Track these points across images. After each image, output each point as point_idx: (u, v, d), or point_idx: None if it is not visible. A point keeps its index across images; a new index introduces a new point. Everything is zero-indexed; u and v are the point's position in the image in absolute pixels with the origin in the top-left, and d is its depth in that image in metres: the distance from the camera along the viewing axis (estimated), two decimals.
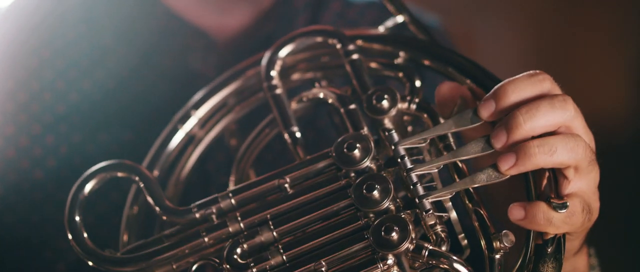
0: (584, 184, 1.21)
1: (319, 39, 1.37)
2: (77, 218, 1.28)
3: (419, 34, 1.39)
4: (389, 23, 1.41)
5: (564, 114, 1.19)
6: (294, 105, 1.36)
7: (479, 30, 3.46)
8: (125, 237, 1.35)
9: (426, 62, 1.35)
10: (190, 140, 1.42)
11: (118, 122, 1.63)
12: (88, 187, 1.29)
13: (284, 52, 1.36)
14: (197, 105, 1.41)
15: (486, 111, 1.21)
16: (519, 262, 1.22)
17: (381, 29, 1.41)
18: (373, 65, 1.38)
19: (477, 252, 1.25)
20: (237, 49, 1.70)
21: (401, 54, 1.37)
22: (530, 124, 1.18)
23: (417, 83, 1.33)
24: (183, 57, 1.67)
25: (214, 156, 1.59)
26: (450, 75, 1.33)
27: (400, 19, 1.41)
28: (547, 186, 1.22)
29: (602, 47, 3.50)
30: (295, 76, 1.43)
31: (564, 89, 1.23)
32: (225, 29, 1.69)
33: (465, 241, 1.26)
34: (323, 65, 1.41)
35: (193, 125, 1.41)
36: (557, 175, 1.21)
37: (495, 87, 1.22)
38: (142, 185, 1.30)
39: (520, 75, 1.22)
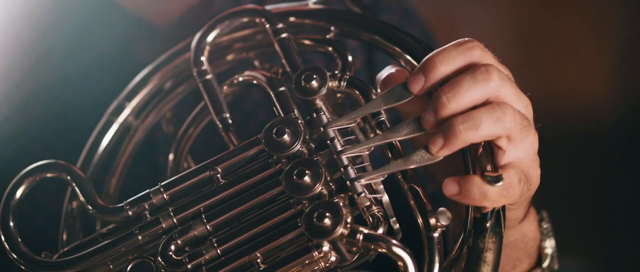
0: (520, 152, 1.18)
1: (245, 20, 1.33)
2: (11, 223, 1.25)
3: (353, 7, 1.34)
4: None
5: (488, 86, 1.15)
6: (225, 89, 1.33)
7: (458, 13, 3.41)
8: (64, 237, 1.33)
9: (358, 36, 1.31)
10: (126, 131, 1.39)
11: (65, 120, 1.60)
12: (19, 191, 1.26)
13: (211, 36, 1.33)
14: (129, 96, 1.38)
15: (416, 85, 1.18)
16: (460, 239, 1.19)
17: (311, 3, 1.36)
18: (307, 42, 1.34)
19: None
20: (183, 34, 1.65)
21: (332, 28, 1.32)
22: (455, 102, 1.14)
23: (349, 58, 1.29)
24: (127, 48, 1.63)
25: (164, 148, 1.55)
26: (384, 48, 1.29)
27: None
28: (483, 157, 1.19)
29: (584, 30, 3.46)
30: (230, 57, 1.39)
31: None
32: (168, 15, 1.64)
33: (397, 226, 1.22)
34: (258, 44, 1.38)
35: (127, 116, 1.38)
36: (492, 146, 1.18)
37: (424, 59, 1.18)
38: (73, 184, 1.27)
39: (448, 45, 1.18)
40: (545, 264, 1.40)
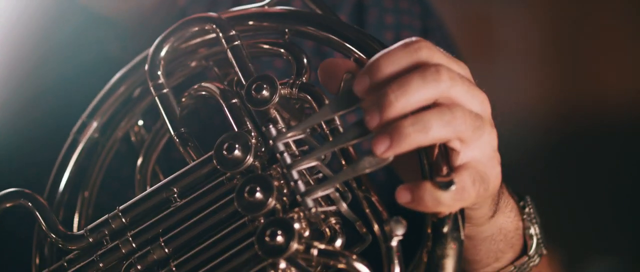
0: (476, 152, 1.13)
1: (196, 28, 1.29)
2: None
3: (313, 7, 1.30)
4: None
5: (438, 86, 1.10)
6: (184, 101, 1.30)
7: (495, 12, 3.31)
8: (37, 261, 1.33)
9: (309, 33, 1.27)
10: (94, 148, 1.37)
11: (46, 128, 1.59)
12: None
13: (163, 52, 1.29)
14: (92, 114, 1.36)
15: (360, 88, 1.13)
16: (421, 246, 1.15)
17: (269, 2, 1.32)
18: (266, 46, 1.30)
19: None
20: (154, 28, 1.63)
21: (286, 30, 1.28)
22: (403, 101, 1.09)
23: (304, 61, 1.25)
24: (100, 48, 1.61)
25: (130, 160, 1.53)
26: (336, 47, 1.25)
27: None
28: (438, 158, 1.14)
29: (623, 27, 3.34)
30: (193, 63, 1.36)
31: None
32: (135, 11, 1.62)
33: (364, 229, 1.19)
34: (217, 51, 1.34)
35: (92, 133, 1.36)
36: (446, 146, 1.14)
37: (369, 61, 1.13)
38: (35, 211, 1.27)
39: (395, 45, 1.14)
40: (531, 251, 1.35)
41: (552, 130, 3.24)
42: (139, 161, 1.35)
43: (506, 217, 1.29)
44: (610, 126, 3.27)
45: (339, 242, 1.17)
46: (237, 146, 1.18)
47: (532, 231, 1.35)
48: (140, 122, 1.39)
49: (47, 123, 1.59)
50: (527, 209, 1.35)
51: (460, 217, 1.14)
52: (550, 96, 3.20)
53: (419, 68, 1.11)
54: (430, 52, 1.13)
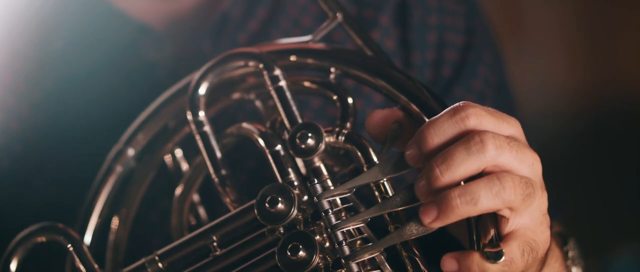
0: (526, 219, 1.10)
1: (240, 63, 1.25)
2: None
3: (356, 38, 1.25)
4: (324, 26, 1.27)
5: (483, 157, 1.07)
6: (224, 140, 1.26)
7: (527, 13, 3.22)
8: None
9: (358, 76, 1.23)
10: (129, 177, 1.34)
11: (72, 129, 1.55)
12: (13, 264, 1.23)
13: (202, 90, 1.25)
14: (129, 140, 1.33)
15: (410, 158, 1.11)
16: None
17: (314, 35, 1.27)
18: (307, 84, 1.26)
19: None
20: (192, 31, 1.58)
21: (332, 69, 1.24)
22: (448, 175, 1.08)
23: (351, 105, 1.21)
24: (134, 50, 1.56)
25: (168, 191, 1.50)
26: (384, 91, 1.21)
27: (339, 17, 1.27)
28: (487, 223, 1.11)
29: None
30: (236, 95, 1.32)
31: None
32: (173, 17, 1.57)
33: None
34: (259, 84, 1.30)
35: (129, 160, 1.33)
36: (495, 213, 1.10)
37: (417, 132, 1.11)
38: (70, 248, 1.24)
39: (441, 114, 1.11)
40: None
41: (581, 113, 3.19)
42: (178, 192, 1.31)
43: (551, 268, 1.26)
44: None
45: None
46: (280, 199, 1.15)
47: None
48: (179, 153, 1.35)
49: (71, 136, 1.55)
50: (570, 254, 1.32)
51: None
52: (580, 78, 3.14)
53: (464, 139, 1.08)
54: (478, 119, 1.10)
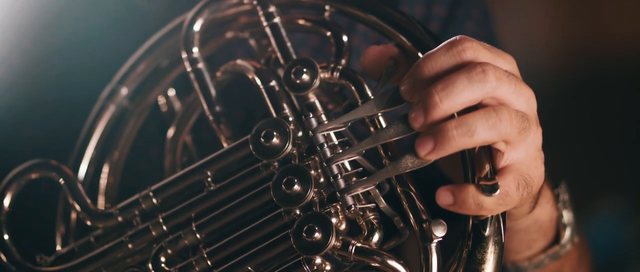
0: (521, 154, 1.10)
1: (235, 1, 1.25)
2: (4, 231, 1.24)
3: None
4: None
5: (484, 87, 1.06)
6: (218, 75, 1.26)
7: None
8: (59, 238, 1.29)
9: (352, 13, 1.23)
10: (122, 116, 1.33)
11: (72, 86, 1.54)
12: (7, 199, 1.23)
13: (197, 25, 1.25)
14: (123, 79, 1.32)
15: (406, 90, 1.10)
16: (458, 248, 1.13)
17: None
18: (301, 22, 1.25)
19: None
20: None
21: (327, 7, 1.24)
22: (448, 102, 1.06)
23: (345, 41, 1.21)
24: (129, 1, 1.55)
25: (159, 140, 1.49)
26: (378, 28, 1.20)
27: None
28: (482, 157, 1.11)
29: None
30: (230, 34, 1.31)
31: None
32: None
33: (402, 224, 1.17)
34: (253, 23, 1.30)
35: (122, 99, 1.32)
36: (490, 147, 1.11)
37: (413, 65, 1.10)
38: (63, 184, 1.24)
39: (438, 47, 1.10)
40: (564, 240, 1.34)
41: (564, 69, 3.20)
42: (171, 132, 1.31)
43: (542, 209, 1.27)
44: (621, 64, 3.23)
45: (376, 238, 1.14)
46: (275, 133, 1.14)
47: (565, 219, 1.33)
48: (171, 92, 1.35)
49: (65, 81, 1.54)
50: (561, 197, 1.33)
51: (502, 220, 1.12)
52: (563, 34, 3.15)
53: (465, 67, 1.07)
54: (475, 52, 1.09)
